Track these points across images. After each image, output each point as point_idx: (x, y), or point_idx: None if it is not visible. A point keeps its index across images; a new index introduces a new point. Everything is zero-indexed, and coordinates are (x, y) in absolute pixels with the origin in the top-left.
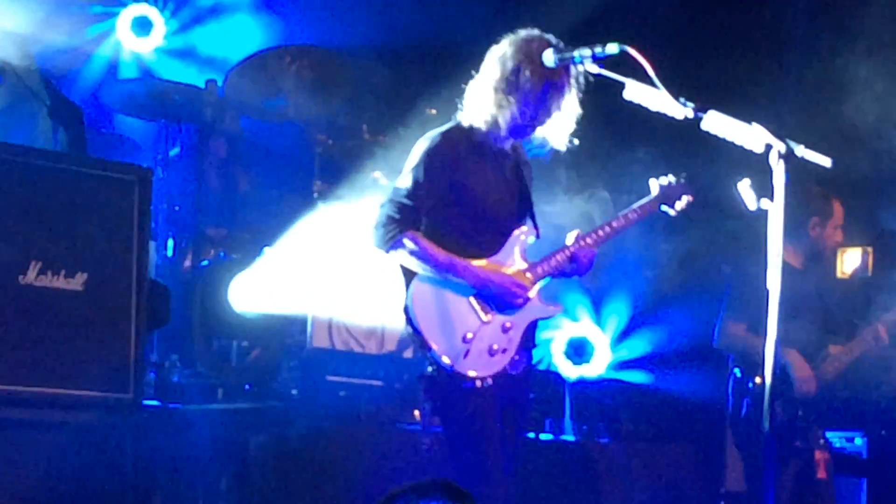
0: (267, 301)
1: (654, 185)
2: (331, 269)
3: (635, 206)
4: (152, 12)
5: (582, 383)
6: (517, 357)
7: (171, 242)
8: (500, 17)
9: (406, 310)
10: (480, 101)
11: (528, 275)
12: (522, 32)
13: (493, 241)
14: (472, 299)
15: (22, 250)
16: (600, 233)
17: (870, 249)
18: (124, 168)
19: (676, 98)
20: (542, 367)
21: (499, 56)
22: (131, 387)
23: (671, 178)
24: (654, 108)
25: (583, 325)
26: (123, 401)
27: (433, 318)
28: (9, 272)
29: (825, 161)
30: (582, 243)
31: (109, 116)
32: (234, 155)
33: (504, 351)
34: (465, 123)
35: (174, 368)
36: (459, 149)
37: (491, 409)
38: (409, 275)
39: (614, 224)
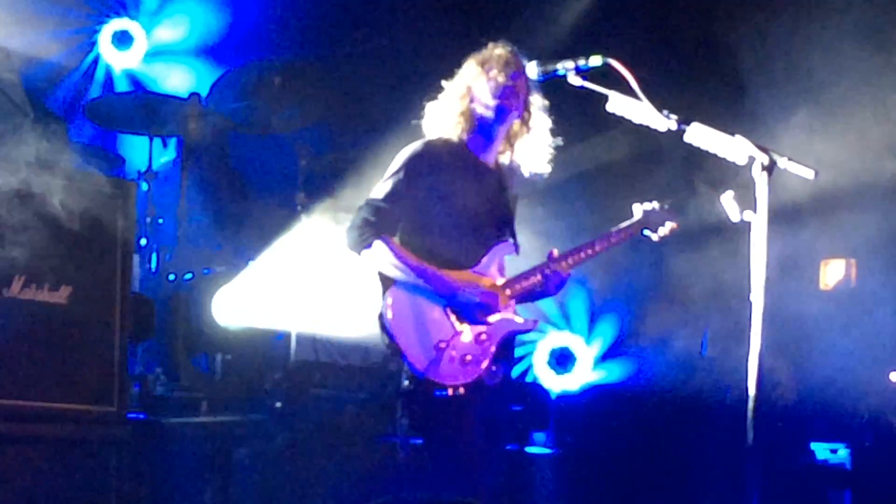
0: (251, 314)
1: (638, 209)
2: (315, 282)
3: (616, 228)
4: (133, 26)
5: (566, 397)
6: (494, 368)
7: (154, 256)
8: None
9: (381, 316)
10: (451, 114)
11: (507, 291)
12: (489, 45)
13: (471, 253)
14: (447, 308)
15: (6, 263)
16: (581, 255)
17: (853, 261)
18: (108, 181)
19: (660, 110)
20: (521, 377)
21: (461, 71)
22: (115, 400)
23: (655, 205)
24: (637, 120)
25: (566, 335)
26: (107, 414)
27: (408, 325)
28: None
29: (809, 173)
30: (557, 266)
31: (94, 129)
32: (219, 168)
33: (477, 362)
34: (447, 136)
35: (158, 381)
36: (441, 158)
37: (467, 419)
38: (386, 281)
39: (596, 247)
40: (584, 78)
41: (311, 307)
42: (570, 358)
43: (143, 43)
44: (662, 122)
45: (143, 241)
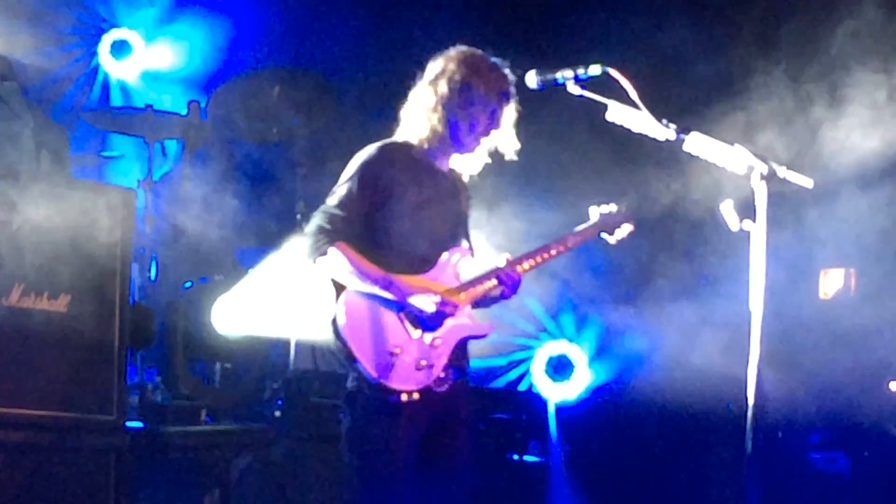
0: (250, 322)
1: (595, 212)
2: (314, 291)
3: (573, 231)
4: (132, 36)
5: (565, 408)
6: (443, 375)
7: (154, 264)
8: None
9: (334, 322)
10: (424, 119)
11: (462, 295)
12: (461, 49)
13: (426, 258)
14: (401, 314)
15: (5, 272)
16: (538, 258)
17: (852, 270)
18: (108, 189)
19: (659, 119)
20: (522, 386)
21: (441, 72)
22: (114, 408)
23: (612, 207)
24: (636, 129)
25: (563, 343)
26: (106, 422)
27: (361, 331)
28: None
29: (807, 182)
30: (511, 269)
31: (94, 138)
32: (219, 176)
33: (431, 366)
34: (405, 139)
35: (157, 390)
36: (396, 163)
37: (410, 433)
38: (339, 287)
39: (552, 250)
40: (584, 87)
41: (311, 316)
42: (568, 366)
43: (142, 52)
44: (661, 131)
45: (143, 250)
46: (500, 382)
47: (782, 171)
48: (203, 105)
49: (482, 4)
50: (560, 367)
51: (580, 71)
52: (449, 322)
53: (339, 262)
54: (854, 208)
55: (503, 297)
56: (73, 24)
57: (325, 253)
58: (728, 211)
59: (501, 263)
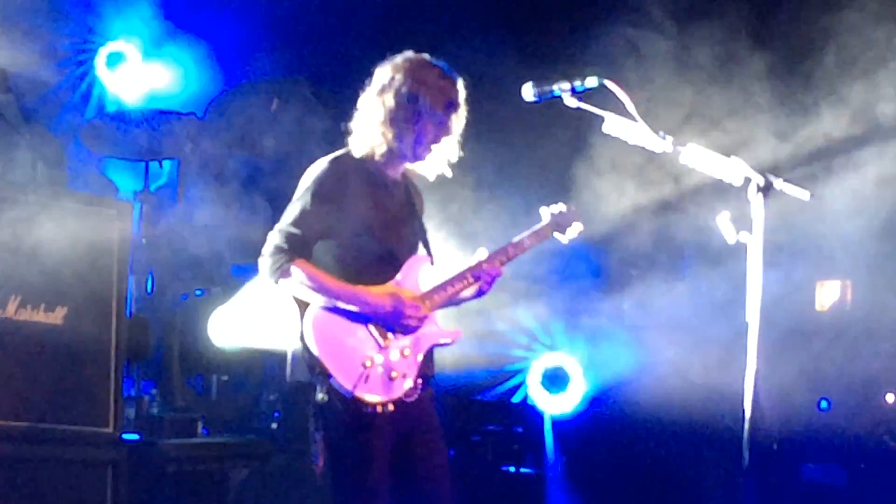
0: (246, 335)
1: (546, 212)
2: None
3: (528, 232)
4: (128, 48)
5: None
6: (412, 384)
7: (150, 276)
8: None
9: (302, 339)
10: (374, 131)
11: (426, 302)
12: (408, 57)
13: (386, 270)
14: (370, 325)
15: (1, 284)
16: (496, 262)
17: (848, 282)
18: (104, 202)
19: (655, 131)
20: (518, 398)
21: (388, 83)
22: (111, 421)
23: (562, 207)
24: (632, 141)
25: (559, 355)
26: (103, 435)
27: (332, 345)
28: None
29: (804, 194)
30: (491, 265)
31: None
32: (215, 189)
33: (404, 376)
34: (357, 153)
35: (154, 402)
36: (349, 176)
37: (382, 445)
38: (302, 304)
39: (510, 252)
40: (580, 99)
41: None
42: (563, 377)
43: (138, 64)
44: (658, 143)
45: (139, 262)
46: (496, 394)
47: (779, 184)
48: (200, 117)
49: (478, 16)
50: (555, 379)
51: (577, 83)
52: (418, 330)
53: (301, 280)
54: (850, 220)
55: (480, 293)
56: (69, 38)
57: (286, 272)
58: (724, 223)
59: (476, 260)
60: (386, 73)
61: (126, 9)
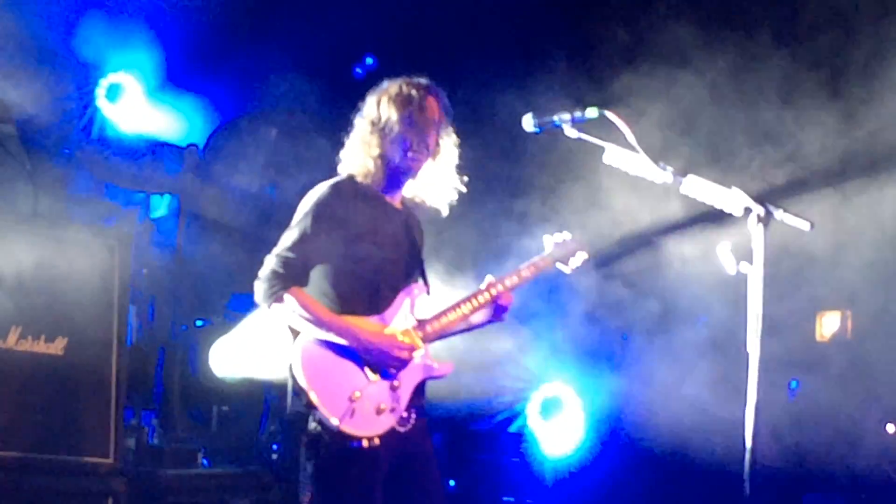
0: (247, 365)
1: (548, 241)
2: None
3: (528, 263)
4: (128, 79)
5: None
6: (405, 414)
7: (151, 307)
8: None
9: (291, 368)
10: (366, 159)
11: (420, 334)
12: (395, 85)
13: (382, 298)
14: (359, 359)
15: (1, 315)
16: (493, 292)
17: (849, 312)
18: (105, 232)
19: (656, 162)
20: (513, 428)
21: (376, 112)
22: (111, 451)
23: (565, 235)
24: (633, 172)
25: (557, 385)
26: (103, 466)
27: (320, 377)
28: None
29: (804, 225)
30: (498, 289)
31: (91, 181)
32: (215, 219)
33: (392, 410)
34: (354, 177)
35: (154, 433)
36: (348, 202)
37: (373, 477)
38: (295, 333)
39: (506, 282)
40: (581, 130)
41: None
42: (561, 407)
43: (138, 96)
44: (659, 173)
45: (140, 292)
46: (495, 424)
47: (779, 214)
48: (201, 148)
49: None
50: (554, 409)
51: (577, 113)
52: (409, 364)
53: (293, 309)
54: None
55: (494, 319)
56: (71, 71)
57: (279, 298)
58: (725, 254)
59: (483, 286)
60: (373, 102)
61: (127, 43)
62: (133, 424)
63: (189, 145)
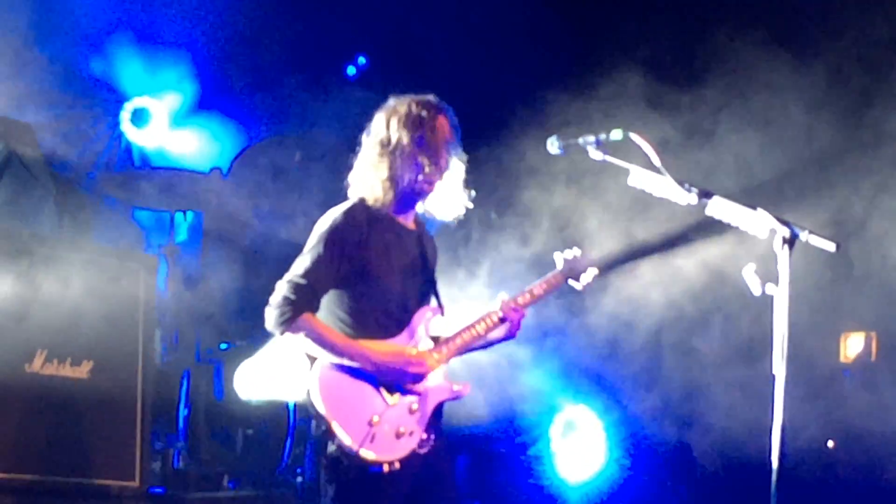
0: (272, 388)
1: (559, 258)
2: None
3: (540, 280)
4: (153, 104)
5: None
6: (425, 436)
7: (176, 330)
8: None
9: (308, 394)
10: (376, 181)
11: (435, 355)
12: (402, 103)
13: (396, 321)
14: (376, 382)
15: (28, 338)
16: (519, 300)
17: (873, 334)
18: (130, 256)
19: (681, 184)
20: (532, 450)
21: (385, 133)
22: (137, 474)
23: (576, 252)
24: (658, 193)
25: (580, 408)
26: (129, 489)
27: (338, 402)
28: (15, 360)
29: (830, 246)
30: (511, 307)
31: (117, 204)
32: (239, 242)
33: (411, 434)
34: (365, 201)
35: (180, 456)
36: (362, 227)
37: (394, 498)
38: (311, 358)
39: (519, 300)
40: (605, 152)
41: None
42: (583, 429)
43: (163, 120)
44: (683, 195)
45: (165, 316)
46: (516, 446)
47: (804, 236)
48: (225, 172)
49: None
50: (575, 431)
51: (601, 136)
52: (425, 385)
53: (306, 335)
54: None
55: (509, 336)
56: (96, 96)
57: (290, 325)
58: (750, 275)
59: (496, 305)
60: (381, 122)
61: (155, 69)
62: (158, 448)
63: (213, 169)
